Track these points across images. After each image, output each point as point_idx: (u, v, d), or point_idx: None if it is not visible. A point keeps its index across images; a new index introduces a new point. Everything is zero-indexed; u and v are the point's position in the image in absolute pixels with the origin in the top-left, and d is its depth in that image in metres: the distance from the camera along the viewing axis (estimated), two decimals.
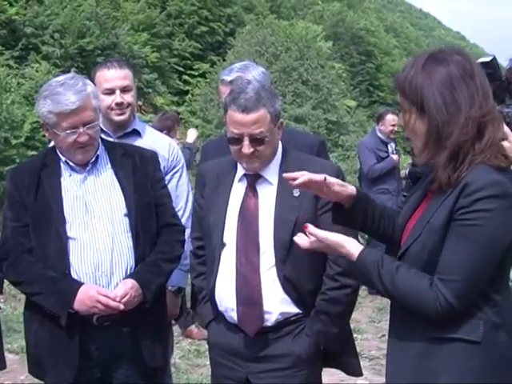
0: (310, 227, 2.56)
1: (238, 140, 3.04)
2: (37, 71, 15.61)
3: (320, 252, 2.87)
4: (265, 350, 3.16)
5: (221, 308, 3.20)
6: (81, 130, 3.22)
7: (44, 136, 13.83)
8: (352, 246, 2.52)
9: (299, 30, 21.55)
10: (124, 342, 3.31)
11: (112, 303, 3.16)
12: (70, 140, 3.23)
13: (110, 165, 3.39)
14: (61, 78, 3.32)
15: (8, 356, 4.68)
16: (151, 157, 3.54)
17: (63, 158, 3.34)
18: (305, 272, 3.11)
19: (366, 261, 2.47)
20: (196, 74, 21.70)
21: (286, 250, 3.07)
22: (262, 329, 3.13)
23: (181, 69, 21.50)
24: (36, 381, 4.93)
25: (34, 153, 13.57)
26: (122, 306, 3.18)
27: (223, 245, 3.16)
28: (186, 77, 21.39)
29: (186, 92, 20.57)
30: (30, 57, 16.97)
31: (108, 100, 3.92)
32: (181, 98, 20.07)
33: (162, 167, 3.74)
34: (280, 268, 3.08)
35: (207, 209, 3.25)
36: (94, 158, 3.35)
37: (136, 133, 4.06)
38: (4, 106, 13.62)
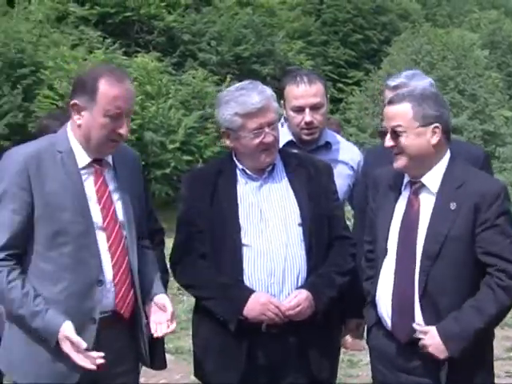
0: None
1: None
2: (193, 77, 16.05)
3: (468, 268, 3.04)
4: (413, 361, 3.12)
5: (379, 312, 3.24)
6: (266, 130, 3.24)
7: (200, 141, 14.27)
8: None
9: (455, 38, 21.14)
10: (291, 351, 3.27)
11: (280, 315, 3.15)
12: (256, 141, 3.25)
13: (285, 173, 3.38)
14: (237, 85, 3.37)
15: None
16: (325, 168, 3.50)
17: (240, 166, 3.35)
18: (446, 288, 3.05)
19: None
20: (350, 82, 21.75)
21: (431, 261, 3.04)
22: (413, 339, 3.08)
23: (335, 76, 21.59)
24: (191, 380, 5.03)
25: (188, 158, 13.99)
26: (287, 320, 3.18)
27: (386, 251, 3.20)
28: (341, 85, 21.44)
29: (340, 100, 20.60)
30: (187, 63, 17.49)
31: (297, 118, 3.85)
32: (335, 106, 20.10)
33: (350, 178, 3.83)
34: (422, 280, 3.05)
35: (376, 214, 3.30)
36: (270, 167, 3.35)
37: (328, 145, 3.98)
38: (160, 111, 14.08)
